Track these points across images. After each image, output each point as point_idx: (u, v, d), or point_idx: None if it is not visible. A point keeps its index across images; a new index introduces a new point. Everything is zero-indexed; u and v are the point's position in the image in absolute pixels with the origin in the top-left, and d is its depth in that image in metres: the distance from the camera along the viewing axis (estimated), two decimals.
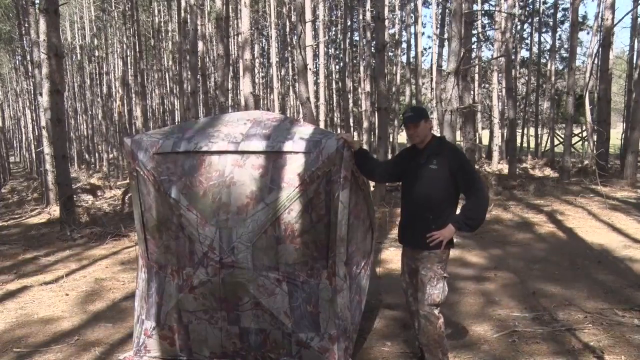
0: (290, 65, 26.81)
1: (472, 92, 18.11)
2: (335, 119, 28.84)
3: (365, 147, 18.86)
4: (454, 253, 6.24)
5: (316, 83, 22.72)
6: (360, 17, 21.01)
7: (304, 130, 3.24)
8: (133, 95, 22.53)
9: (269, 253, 3.08)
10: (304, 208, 3.04)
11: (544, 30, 25.79)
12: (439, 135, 3.17)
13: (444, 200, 2.96)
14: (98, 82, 29.24)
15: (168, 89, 28.59)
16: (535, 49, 26.52)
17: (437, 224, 2.94)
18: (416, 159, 3.05)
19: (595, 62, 15.49)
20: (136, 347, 3.38)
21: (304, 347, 3.12)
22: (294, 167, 3.04)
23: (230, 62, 23.63)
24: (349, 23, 24.70)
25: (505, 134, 21.69)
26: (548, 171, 16.51)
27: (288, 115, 26.36)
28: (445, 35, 14.65)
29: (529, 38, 26.03)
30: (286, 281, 3.10)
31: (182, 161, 3.17)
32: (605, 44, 13.76)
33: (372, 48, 20.38)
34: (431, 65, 23.82)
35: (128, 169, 3.37)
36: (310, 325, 3.11)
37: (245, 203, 3.07)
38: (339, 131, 29.00)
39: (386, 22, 17.78)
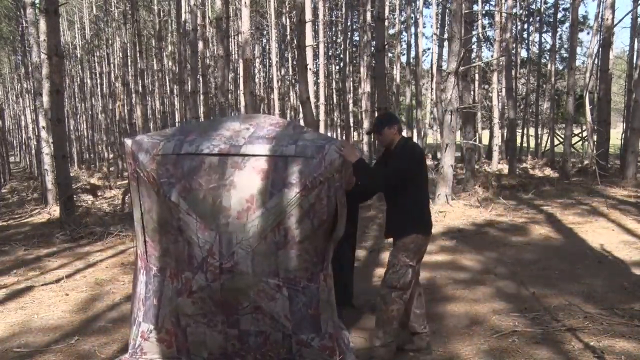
0: (290, 65, 26.81)
1: (472, 92, 18.10)
2: (335, 119, 28.85)
3: (365, 147, 18.96)
4: (452, 255, 6.26)
5: (316, 83, 22.71)
6: (361, 17, 21.00)
7: (307, 135, 3.23)
8: (133, 96, 22.51)
9: (269, 259, 3.06)
10: (305, 213, 3.02)
11: (544, 30, 25.80)
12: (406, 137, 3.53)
13: (404, 193, 3.27)
14: (98, 82, 29.25)
15: (168, 89, 28.59)
16: (535, 49, 26.53)
17: (399, 215, 3.30)
18: (389, 160, 3.41)
19: (595, 62, 15.50)
20: (132, 349, 3.34)
21: (304, 346, 3.12)
22: (295, 172, 3.02)
23: (230, 62, 23.62)
24: (349, 23, 24.72)
25: (505, 134, 21.68)
26: (548, 171, 16.51)
27: (288, 115, 26.39)
28: (445, 36, 14.64)
29: (529, 38, 26.04)
30: (286, 286, 3.08)
31: (182, 163, 3.14)
32: (605, 44, 13.76)
33: (372, 48, 20.38)
34: (431, 65, 23.83)
35: (128, 170, 3.36)
36: (310, 326, 3.12)
37: (246, 207, 3.04)
38: (339, 131, 29.06)
39: (386, 22, 17.79)
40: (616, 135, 20.41)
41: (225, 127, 3.35)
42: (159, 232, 3.20)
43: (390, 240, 3.42)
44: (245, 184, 3.05)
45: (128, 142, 3.29)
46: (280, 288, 3.07)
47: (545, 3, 25.10)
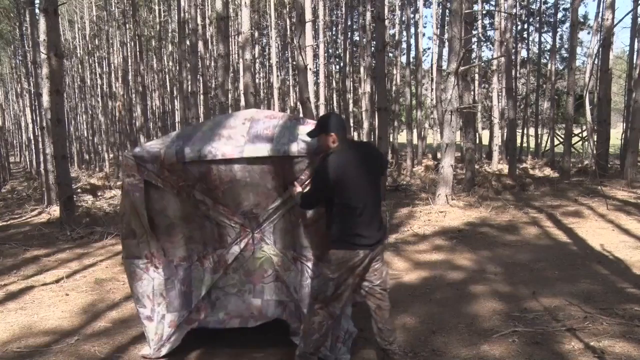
0: (290, 65, 26.81)
1: (472, 92, 18.12)
2: None
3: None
4: (452, 254, 6.27)
5: (316, 83, 22.72)
6: (361, 17, 21.01)
7: (307, 130, 3.26)
8: (133, 95, 22.53)
9: (287, 235, 3.40)
10: None
11: (544, 30, 25.78)
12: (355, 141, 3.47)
13: (330, 206, 3.03)
14: (98, 82, 29.23)
15: (168, 89, 28.59)
16: (535, 49, 26.50)
17: (328, 226, 3.08)
18: None
19: (595, 62, 15.49)
20: (156, 344, 3.46)
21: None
22: (302, 169, 3.22)
23: (231, 62, 23.63)
24: (349, 23, 24.71)
25: (505, 134, 21.66)
26: (548, 171, 16.50)
27: None
28: (446, 36, 14.65)
29: (529, 38, 26.02)
30: (300, 261, 3.41)
31: (190, 171, 3.26)
32: (605, 44, 13.75)
33: (372, 48, 20.40)
34: (431, 65, 23.82)
35: (127, 181, 3.31)
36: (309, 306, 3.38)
37: (265, 198, 3.33)
38: None
39: (386, 22, 17.80)
40: (616, 135, 20.37)
41: (222, 125, 3.44)
42: (179, 225, 3.39)
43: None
44: (258, 182, 3.26)
45: (129, 155, 3.32)
46: (295, 260, 3.42)
47: (545, 3, 25.10)
